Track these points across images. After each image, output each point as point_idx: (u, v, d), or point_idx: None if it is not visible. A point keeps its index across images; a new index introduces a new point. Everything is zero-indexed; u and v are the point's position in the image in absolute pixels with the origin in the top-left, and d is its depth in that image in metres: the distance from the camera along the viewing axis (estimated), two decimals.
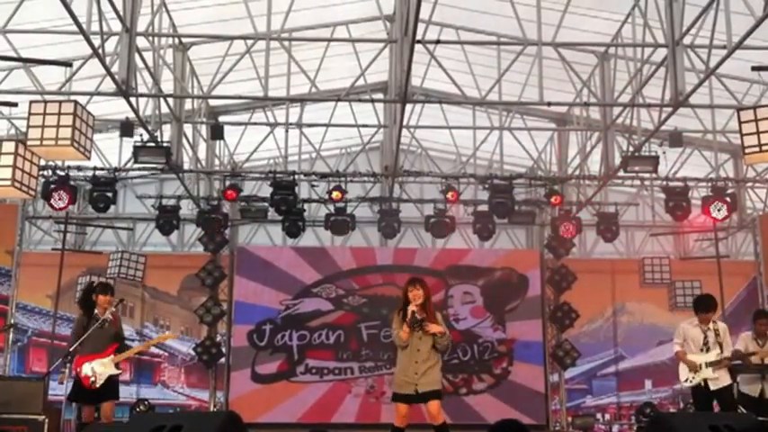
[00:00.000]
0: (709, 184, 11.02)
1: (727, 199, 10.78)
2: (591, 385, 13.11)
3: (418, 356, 5.95)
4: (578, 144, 11.77)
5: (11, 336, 11.37)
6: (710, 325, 7.26)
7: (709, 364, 7.16)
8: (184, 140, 10.89)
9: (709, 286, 11.70)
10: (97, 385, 6.76)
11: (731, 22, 7.35)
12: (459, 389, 12.31)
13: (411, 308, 5.96)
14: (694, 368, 7.20)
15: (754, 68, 7.58)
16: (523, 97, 10.65)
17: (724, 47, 7.38)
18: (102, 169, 10.95)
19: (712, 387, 7.14)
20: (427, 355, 5.97)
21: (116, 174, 10.93)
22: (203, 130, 11.62)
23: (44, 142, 6.89)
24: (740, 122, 7.14)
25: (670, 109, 8.39)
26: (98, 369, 6.79)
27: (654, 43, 8.46)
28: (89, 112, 7.21)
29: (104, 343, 6.86)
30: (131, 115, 9.01)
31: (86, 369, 6.80)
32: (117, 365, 6.89)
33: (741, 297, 13.07)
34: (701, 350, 7.24)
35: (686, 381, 7.33)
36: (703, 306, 7.31)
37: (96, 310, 6.91)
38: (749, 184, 12.51)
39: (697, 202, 11.33)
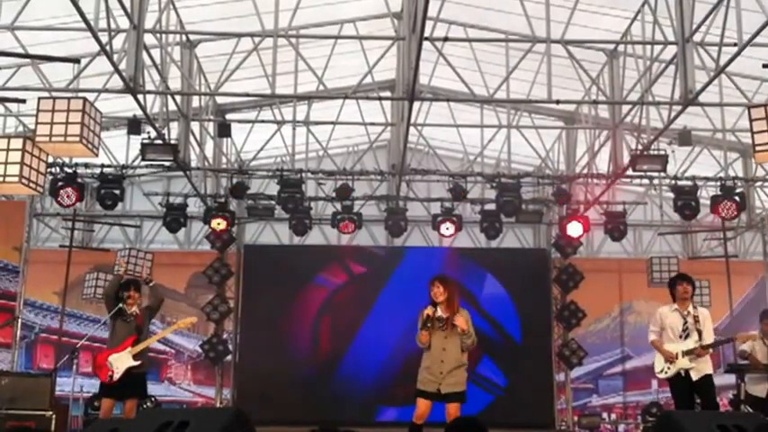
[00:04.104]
0: (718, 184, 10.95)
1: (736, 198, 10.71)
2: (597, 385, 13.08)
3: (444, 356, 5.88)
4: (587, 142, 11.72)
5: (18, 332, 11.40)
6: (690, 310, 6.65)
7: (685, 353, 6.54)
8: (192, 138, 10.89)
9: (718, 286, 11.67)
10: (115, 378, 6.76)
11: (742, 19, 7.30)
12: None
13: (426, 310, 5.93)
14: (671, 358, 6.57)
15: (765, 66, 7.51)
16: (532, 95, 10.61)
17: (734, 44, 7.33)
18: (109, 166, 10.97)
19: (695, 377, 6.53)
20: (454, 355, 5.90)
21: (123, 171, 10.95)
22: (210, 127, 11.62)
23: (52, 139, 6.89)
24: (751, 120, 7.06)
25: (679, 107, 8.33)
26: (115, 363, 6.78)
27: (663, 41, 8.40)
28: (97, 110, 7.21)
29: (125, 337, 6.89)
30: (139, 112, 9.02)
31: (107, 363, 6.84)
32: (135, 357, 6.85)
33: (749, 297, 13.02)
34: (680, 337, 6.59)
35: (661, 372, 6.70)
36: (678, 279, 6.72)
37: (123, 305, 6.96)
38: (758, 183, 12.44)
39: (706, 201, 11.27)
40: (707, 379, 6.60)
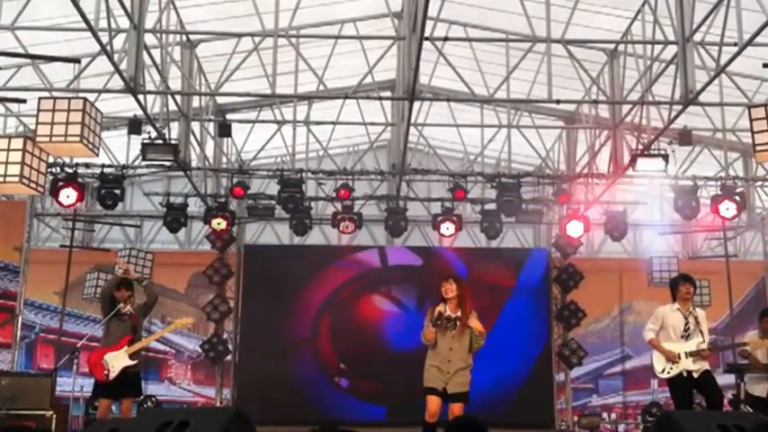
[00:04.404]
0: (719, 183, 10.94)
1: (737, 198, 10.70)
2: (597, 385, 13.07)
3: (451, 356, 5.86)
4: (587, 142, 11.72)
5: (18, 332, 11.40)
6: (691, 310, 6.68)
7: (689, 354, 6.56)
8: (192, 138, 10.89)
9: (718, 286, 11.67)
10: (110, 377, 6.77)
11: (742, 19, 7.30)
12: None
13: (439, 308, 5.87)
14: (673, 358, 6.58)
15: (765, 66, 7.51)
16: (532, 95, 10.61)
17: (735, 44, 7.33)
18: (110, 166, 10.97)
19: (696, 376, 6.55)
20: (460, 355, 5.87)
21: (124, 171, 10.95)
22: (211, 127, 11.63)
23: (53, 139, 6.89)
24: (751, 120, 7.07)
25: (680, 107, 8.33)
26: (111, 361, 6.79)
27: (664, 40, 8.40)
28: (98, 109, 7.21)
29: (120, 336, 6.90)
30: (139, 112, 9.02)
31: (102, 362, 6.84)
32: (131, 357, 6.87)
33: (749, 296, 13.02)
34: (682, 337, 6.61)
35: (663, 372, 6.66)
36: (681, 279, 6.73)
37: (119, 305, 6.96)
38: (758, 183, 12.44)
39: (706, 201, 11.26)
40: (708, 375, 6.61)
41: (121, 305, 6.96)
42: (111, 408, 7.01)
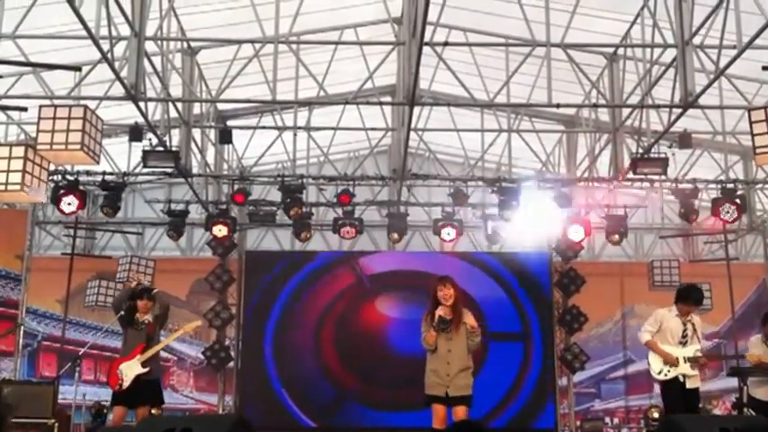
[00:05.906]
0: (719, 186, 10.94)
1: (737, 201, 10.70)
2: (599, 389, 13.04)
3: (450, 357, 5.85)
4: (587, 146, 11.73)
5: (21, 340, 11.40)
6: (689, 318, 6.79)
7: (687, 360, 6.67)
8: (193, 145, 10.91)
9: (719, 289, 11.66)
10: (124, 386, 6.82)
11: (741, 21, 7.31)
12: None
13: (438, 311, 5.86)
14: (672, 361, 6.68)
15: (764, 68, 7.52)
16: (532, 99, 10.62)
17: (734, 47, 7.34)
18: (111, 174, 10.98)
19: (688, 385, 6.66)
20: (459, 356, 5.86)
21: (125, 178, 10.96)
22: (212, 134, 11.65)
23: (54, 147, 6.92)
24: (751, 123, 7.09)
25: (679, 110, 8.34)
26: (125, 371, 6.87)
27: (663, 44, 8.42)
28: (98, 117, 7.23)
29: (135, 345, 6.96)
30: (140, 120, 9.04)
31: (117, 372, 6.92)
32: (144, 364, 6.91)
33: (750, 300, 13.00)
34: (679, 343, 6.74)
35: (660, 373, 6.75)
36: (693, 297, 6.79)
37: (137, 314, 7.01)
38: (759, 185, 12.44)
39: (707, 204, 11.26)
40: (696, 392, 6.77)
41: (139, 315, 7.00)
42: (125, 416, 7.04)
